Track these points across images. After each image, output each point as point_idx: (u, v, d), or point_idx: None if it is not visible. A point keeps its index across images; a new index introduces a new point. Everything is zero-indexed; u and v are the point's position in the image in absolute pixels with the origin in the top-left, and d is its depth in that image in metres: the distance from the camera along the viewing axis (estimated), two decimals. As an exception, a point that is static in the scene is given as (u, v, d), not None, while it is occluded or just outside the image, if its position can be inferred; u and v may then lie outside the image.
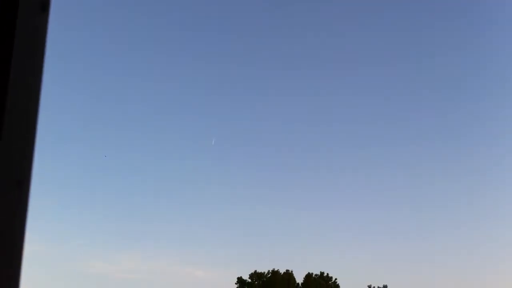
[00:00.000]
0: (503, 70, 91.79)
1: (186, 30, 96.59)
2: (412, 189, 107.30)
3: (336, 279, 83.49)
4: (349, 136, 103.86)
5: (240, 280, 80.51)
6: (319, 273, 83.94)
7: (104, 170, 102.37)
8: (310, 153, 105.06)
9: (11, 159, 1.14)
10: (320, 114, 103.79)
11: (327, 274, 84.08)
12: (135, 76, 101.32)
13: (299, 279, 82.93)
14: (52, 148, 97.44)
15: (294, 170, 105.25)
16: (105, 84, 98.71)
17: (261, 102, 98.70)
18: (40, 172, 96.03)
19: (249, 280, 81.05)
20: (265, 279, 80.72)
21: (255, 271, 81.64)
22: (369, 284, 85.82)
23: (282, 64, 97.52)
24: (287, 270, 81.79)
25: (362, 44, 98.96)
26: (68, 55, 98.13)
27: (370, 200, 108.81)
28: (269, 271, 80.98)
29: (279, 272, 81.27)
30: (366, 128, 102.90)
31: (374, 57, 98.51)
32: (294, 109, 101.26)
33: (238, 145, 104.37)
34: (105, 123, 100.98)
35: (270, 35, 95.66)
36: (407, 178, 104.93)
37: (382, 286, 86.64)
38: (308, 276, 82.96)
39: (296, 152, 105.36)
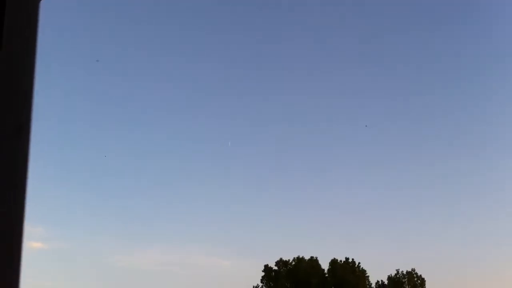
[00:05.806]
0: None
1: (190, 29, 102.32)
2: (438, 172, 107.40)
3: (359, 263, 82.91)
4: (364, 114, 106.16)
5: (267, 268, 79.99)
6: (344, 259, 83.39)
7: (124, 165, 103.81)
8: (328, 134, 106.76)
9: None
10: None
11: (352, 259, 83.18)
12: (141, 76, 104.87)
13: (324, 265, 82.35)
14: (70, 145, 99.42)
15: (311, 153, 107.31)
16: (110, 85, 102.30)
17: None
18: (63, 169, 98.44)
19: (275, 268, 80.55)
20: (290, 266, 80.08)
21: (281, 258, 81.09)
22: (397, 268, 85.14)
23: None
24: (312, 257, 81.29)
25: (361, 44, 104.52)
26: (70, 56, 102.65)
27: (393, 184, 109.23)
28: (294, 258, 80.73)
29: (304, 259, 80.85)
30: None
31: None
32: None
33: (250, 138, 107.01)
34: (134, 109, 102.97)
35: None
36: (431, 161, 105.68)
37: (410, 270, 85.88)
38: (333, 262, 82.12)
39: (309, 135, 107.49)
